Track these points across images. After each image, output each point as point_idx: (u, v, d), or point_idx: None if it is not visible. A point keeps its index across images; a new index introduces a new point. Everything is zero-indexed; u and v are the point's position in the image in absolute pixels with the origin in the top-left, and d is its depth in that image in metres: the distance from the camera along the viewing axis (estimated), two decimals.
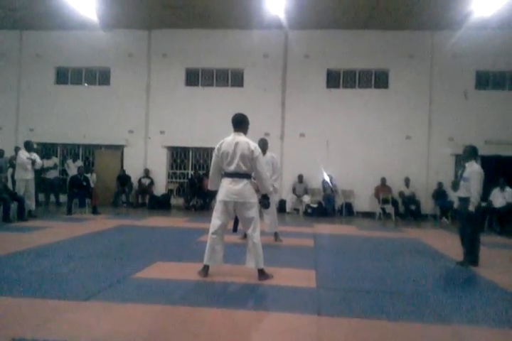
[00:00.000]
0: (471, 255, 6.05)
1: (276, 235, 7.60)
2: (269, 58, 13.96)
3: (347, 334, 3.33)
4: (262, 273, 4.86)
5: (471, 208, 5.90)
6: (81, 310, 3.70)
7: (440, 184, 12.93)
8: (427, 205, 13.15)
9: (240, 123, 4.96)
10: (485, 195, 6.66)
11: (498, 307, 4.20)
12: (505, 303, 4.36)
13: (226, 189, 4.82)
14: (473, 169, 6.00)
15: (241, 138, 4.86)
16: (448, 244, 7.79)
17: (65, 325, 3.33)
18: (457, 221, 6.86)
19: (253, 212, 4.86)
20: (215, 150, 4.94)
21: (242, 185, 4.80)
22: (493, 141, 12.96)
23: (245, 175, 4.84)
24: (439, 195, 12.84)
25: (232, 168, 4.80)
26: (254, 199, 4.90)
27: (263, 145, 7.01)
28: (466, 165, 6.16)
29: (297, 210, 13.31)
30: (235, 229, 6.11)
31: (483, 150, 10.17)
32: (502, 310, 4.13)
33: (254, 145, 4.83)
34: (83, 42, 14.25)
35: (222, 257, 4.96)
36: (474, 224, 6.09)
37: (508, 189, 10.57)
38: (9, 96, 14.71)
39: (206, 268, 4.91)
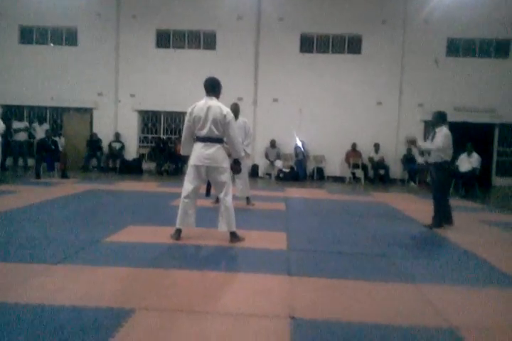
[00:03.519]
0: (436, 217, 6.26)
1: (248, 199, 7.67)
2: (242, 20, 13.65)
3: (317, 293, 3.44)
4: (233, 236, 4.93)
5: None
6: (52, 273, 3.70)
7: (409, 149, 13.14)
8: (396, 170, 13.44)
9: (213, 88, 4.90)
10: (452, 160, 6.80)
11: (460, 266, 4.41)
12: (467, 262, 4.57)
13: (198, 153, 4.80)
14: (442, 133, 6.13)
15: (213, 102, 4.81)
16: (415, 207, 8.04)
17: (36, 288, 3.33)
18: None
19: (225, 176, 4.88)
20: (187, 114, 4.89)
21: (214, 149, 4.79)
22: (461, 108, 13.18)
23: (217, 140, 4.82)
24: (408, 159, 13.11)
25: (204, 132, 4.77)
26: (227, 163, 4.91)
27: (235, 110, 6.88)
28: (436, 130, 6.29)
29: (269, 175, 13.42)
30: (207, 194, 6.14)
31: (452, 117, 10.26)
32: (463, 268, 4.35)
33: (226, 110, 4.80)
34: None
35: (195, 221, 4.99)
36: (441, 187, 6.28)
37: (474, 154, 10.88)
38: None
39: (178, 231, 4.95)
